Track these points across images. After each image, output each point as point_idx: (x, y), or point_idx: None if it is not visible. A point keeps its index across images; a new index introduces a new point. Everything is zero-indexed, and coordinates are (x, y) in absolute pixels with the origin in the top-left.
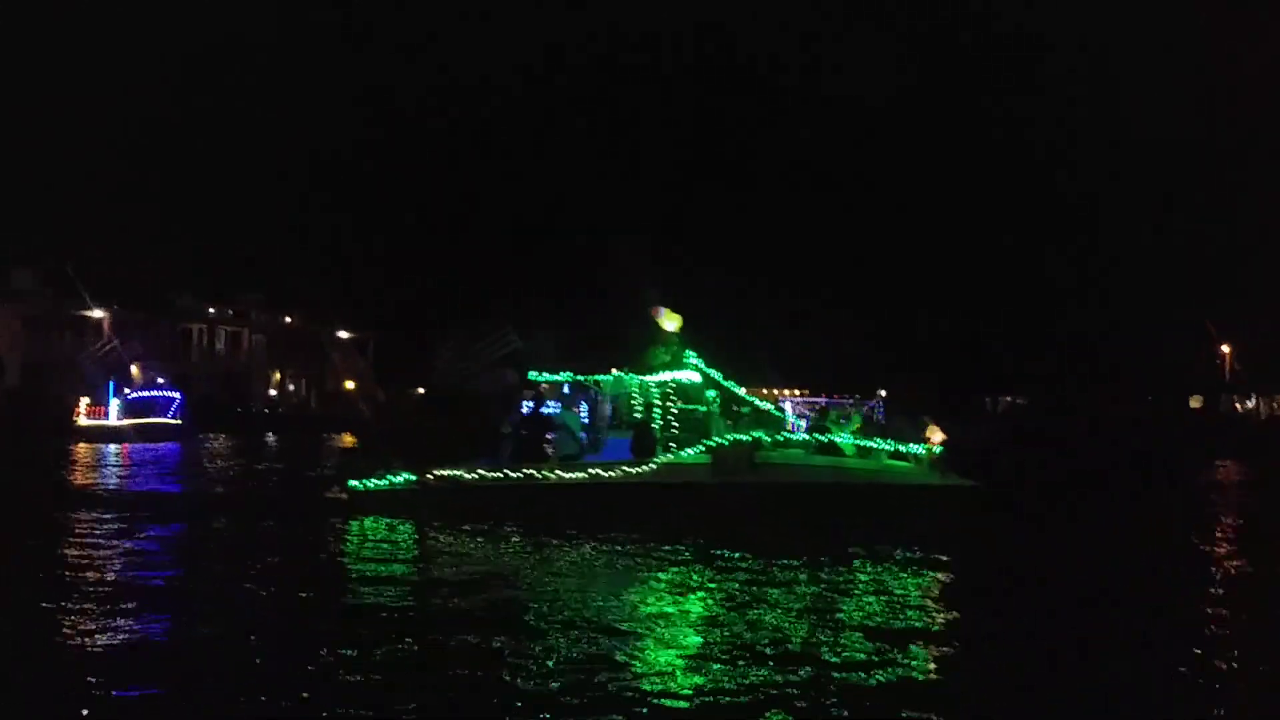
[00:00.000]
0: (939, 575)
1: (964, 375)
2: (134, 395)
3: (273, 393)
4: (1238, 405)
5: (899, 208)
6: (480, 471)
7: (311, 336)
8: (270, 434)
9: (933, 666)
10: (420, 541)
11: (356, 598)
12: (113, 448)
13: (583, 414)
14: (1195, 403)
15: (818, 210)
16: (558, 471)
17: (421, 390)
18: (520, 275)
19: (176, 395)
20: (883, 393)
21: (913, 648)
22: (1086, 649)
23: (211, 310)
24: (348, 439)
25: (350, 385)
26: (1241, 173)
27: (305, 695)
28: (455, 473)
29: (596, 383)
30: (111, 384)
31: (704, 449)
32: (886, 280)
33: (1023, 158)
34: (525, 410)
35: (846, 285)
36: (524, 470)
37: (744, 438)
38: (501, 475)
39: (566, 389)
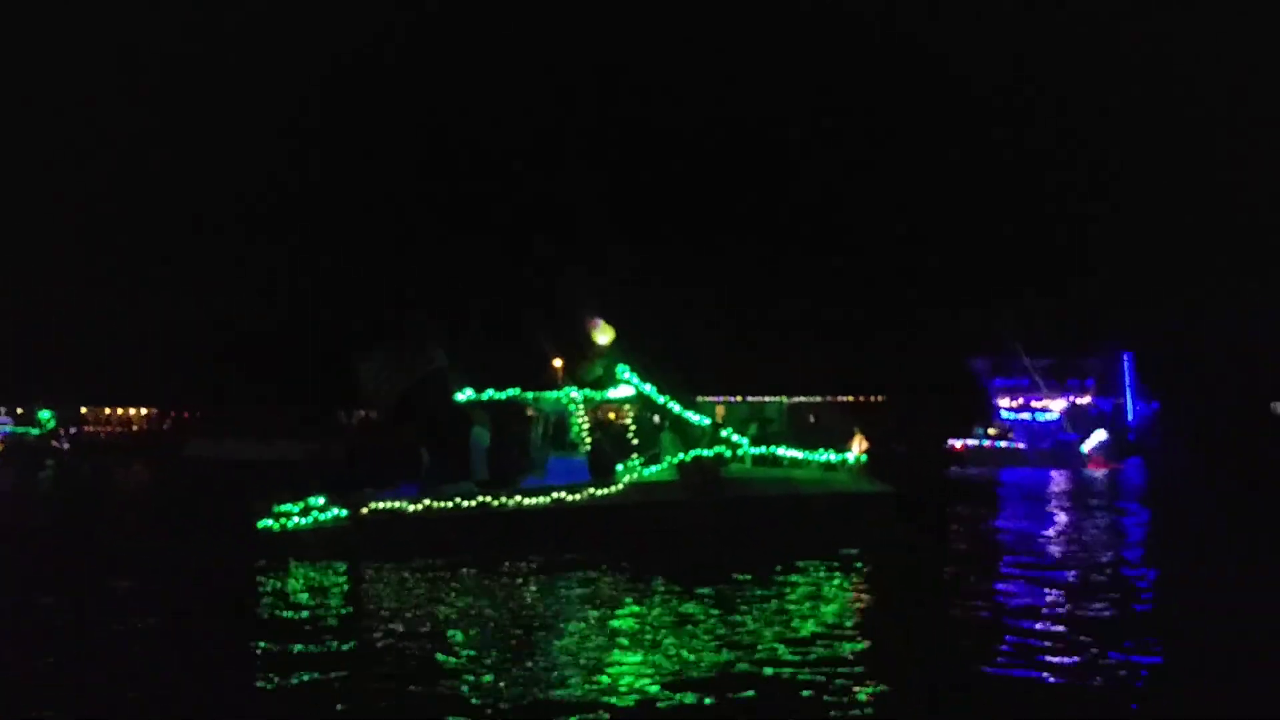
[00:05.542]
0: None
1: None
2: None
3: None
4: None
5: None
6: (426, 501)
7: None
8: None
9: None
10: (357, 595)
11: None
12: None
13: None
14: None
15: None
16: (517, 498)
17: None
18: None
19: None
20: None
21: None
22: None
23: None
24: None
25: None
26: None
27: None
28: (397, 504)
29: (538, 399)
30: None
31: (668, 466)
32: None
33: None
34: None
35: None
36: (479, 498)
37: (707, 453)
38: (452, 504)
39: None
